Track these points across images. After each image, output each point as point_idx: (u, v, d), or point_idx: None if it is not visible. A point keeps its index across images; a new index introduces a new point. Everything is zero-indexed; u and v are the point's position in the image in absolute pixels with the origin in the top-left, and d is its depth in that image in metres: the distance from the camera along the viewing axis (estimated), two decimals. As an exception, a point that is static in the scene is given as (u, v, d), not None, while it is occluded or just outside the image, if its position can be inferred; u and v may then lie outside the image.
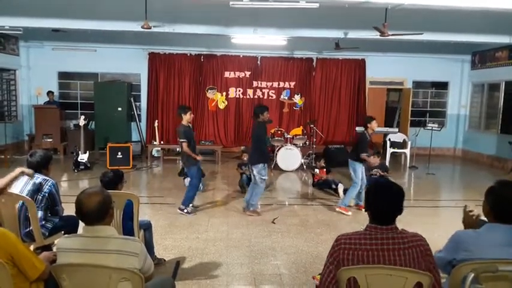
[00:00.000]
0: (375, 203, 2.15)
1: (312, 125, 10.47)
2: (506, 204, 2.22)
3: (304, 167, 9.61)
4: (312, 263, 4.32)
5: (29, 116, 11.44)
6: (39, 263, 2.36)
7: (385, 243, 2.05)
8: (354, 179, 6.22)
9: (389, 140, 10.44)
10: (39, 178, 3.65)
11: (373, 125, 6.11)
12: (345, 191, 6.80)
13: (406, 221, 5.84)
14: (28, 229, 3.58)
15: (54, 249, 2.57)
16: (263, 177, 5.85)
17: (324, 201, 6.99)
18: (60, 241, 2.30)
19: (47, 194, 3.63)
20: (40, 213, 3.61)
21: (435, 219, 6.18)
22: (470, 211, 2.54)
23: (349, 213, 6.14)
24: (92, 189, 2.33)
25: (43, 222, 3.65)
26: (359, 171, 6.15)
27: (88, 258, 2.17)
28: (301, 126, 11.20)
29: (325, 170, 8.02)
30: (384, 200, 2.11)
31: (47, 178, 3.70)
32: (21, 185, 3.60)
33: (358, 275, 2.00)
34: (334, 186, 7.48)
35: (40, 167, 3.71)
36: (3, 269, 2.16)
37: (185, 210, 5.90)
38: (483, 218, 2.43)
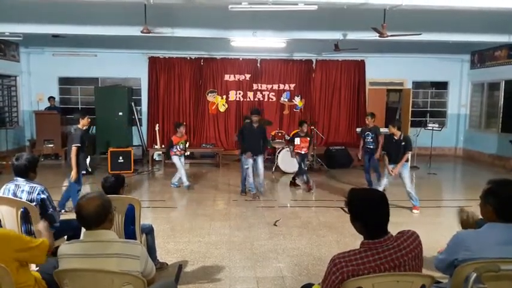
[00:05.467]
0: (369, 218, 2.05)
1: (312, 127, 10.47)
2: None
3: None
4: (314, 265, 4.31)
5: (30, 121, 11.45)
6: (42, 243, 2.53)
7: (387, 255, 1.99)
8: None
9: (390, 140, 10.41)
10: (26, 186, 3.46)
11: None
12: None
13: (408, 222, 5.90)
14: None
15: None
16: (244, 166, 7.02)
17: (325, 203, 6.98)
18: (61, 247, 2.31)
19: (40, 202, 3.46)
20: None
21: (437, 219, 6.16)
22: (463, 211, 2.54)
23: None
24: (92, 194, 2.37)
25: None
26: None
27: (90, 263, 2.18)
28: (301, 128, 11.18)
29: (308, 139, 7.30)
30: (377, 212, 2.04)
31: (34, 185, 3.49)
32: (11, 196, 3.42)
33: (365, 285, 1.96)
34: (305, 178, 7.39)
35: (28, 171, 3.50)
36: (5, 272, 2.17)
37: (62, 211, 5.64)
38: (480, 216, 2.42)
